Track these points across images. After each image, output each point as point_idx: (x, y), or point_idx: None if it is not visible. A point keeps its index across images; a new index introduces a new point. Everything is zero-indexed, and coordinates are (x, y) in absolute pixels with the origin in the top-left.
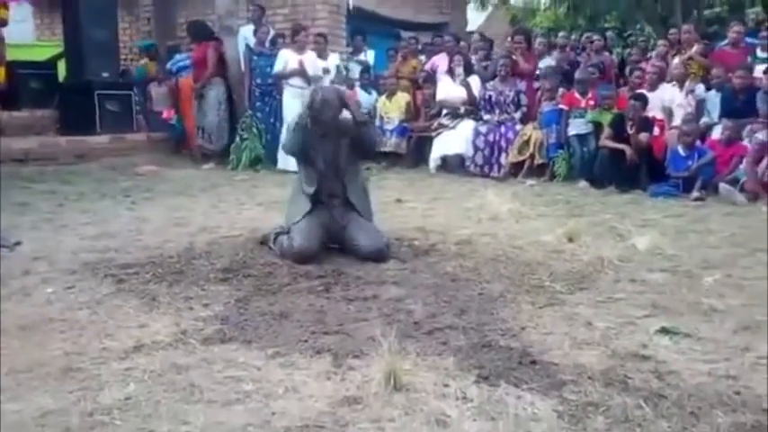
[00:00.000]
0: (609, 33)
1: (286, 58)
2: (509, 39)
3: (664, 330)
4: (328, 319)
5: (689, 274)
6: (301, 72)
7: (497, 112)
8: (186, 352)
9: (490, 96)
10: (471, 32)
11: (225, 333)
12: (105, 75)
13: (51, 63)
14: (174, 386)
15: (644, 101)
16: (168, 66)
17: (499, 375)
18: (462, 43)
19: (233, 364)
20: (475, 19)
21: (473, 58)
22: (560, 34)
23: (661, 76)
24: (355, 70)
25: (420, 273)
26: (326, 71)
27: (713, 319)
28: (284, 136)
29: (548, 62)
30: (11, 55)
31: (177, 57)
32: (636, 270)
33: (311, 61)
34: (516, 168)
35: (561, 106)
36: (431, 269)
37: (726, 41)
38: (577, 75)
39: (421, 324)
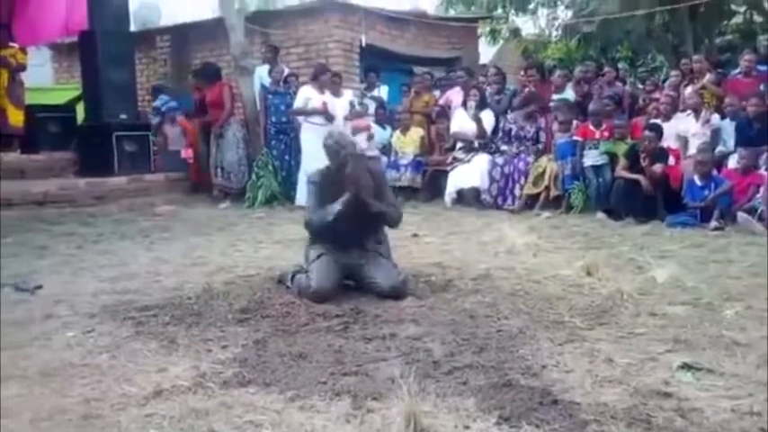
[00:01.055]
0: (620, 64)
1: (307, 96)
2: (522, 72)
3: (686, 366)
4: (347, 360)
5: (710, 306)
6: (324, 112)
7: (515, 144)
8: (205, 396)
9: (510, 129)
10: (484, 65)
11: (244, 376)
12: (123, 116)
13: (70, 106)
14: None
15: (659, 131)
16: (157, 105)
17: (520, 416)
18: (481, 78)
19: (252, 408)
20: (486, 52)
21: (487, 91)
22: (578, 68)
23: (675, 106)
24: (370, 106)
25: (438, 309)
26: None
27: (735, 353)
28: (306, 197)
29: (566, 95)
30: (30, 99)
31: (164, 97)
32: (656, 303)
33: (331, 101)
34: (532, 201)
35: (576, 138)
36: (449, 306)
37: (738, 70)
38: (592, 107)
39: (440, 363)
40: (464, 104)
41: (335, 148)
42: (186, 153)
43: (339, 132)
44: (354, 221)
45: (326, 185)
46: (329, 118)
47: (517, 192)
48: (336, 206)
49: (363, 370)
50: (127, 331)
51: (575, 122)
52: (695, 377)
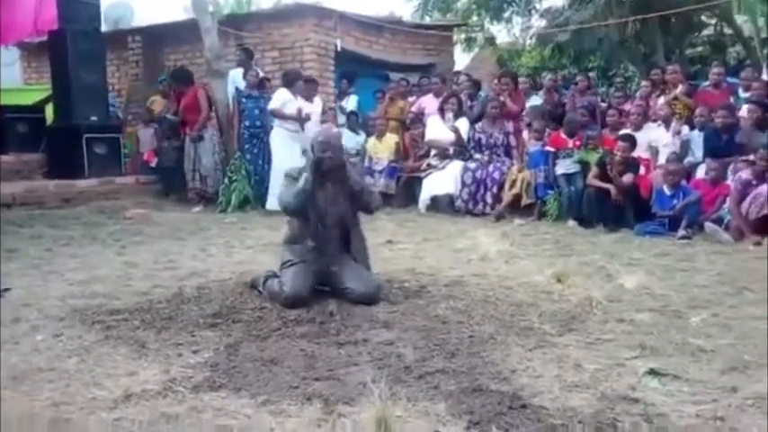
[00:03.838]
0: (591, 74)
1: (285, 98)
2: (496, 80)
3: (652, 372)
4: (319, 365)
5: (677, 313)
6: (299, 118)
7: (487, 153)
8: (175, 400)
9: (479, 138)
10: (457, 72)
11: (214, 380)
12: (93, 118)
13: (39, 107)
14: None
15: (632, 141)
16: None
17: (490, 420)
18: (455, 87)
19: (223, 412)
20: (461, 60)
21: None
22: (547, 76)
23: (645, 116)
24: (339, 114)
25: (411, 315)
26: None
27: (701, 360)
28: (281, 189)
29: (534, 102)
30: None
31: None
32: (624, 310)
33: (305, 106)
34: (504, 208)
35: (548, 148)
36: (421, 311)
37: (708, 83)
38: (567, 117)
39: (412, 368)
40: (440, 111)
41: (323, 145)
42: (148, 156)
43: (329, 131)
44: (333, 204)
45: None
46: (302, 124)
47: (489, 198)
48: (306, 175)
49: (335, 375)
50: (96, 335)
51: (546, 131)
52: (661, 383)
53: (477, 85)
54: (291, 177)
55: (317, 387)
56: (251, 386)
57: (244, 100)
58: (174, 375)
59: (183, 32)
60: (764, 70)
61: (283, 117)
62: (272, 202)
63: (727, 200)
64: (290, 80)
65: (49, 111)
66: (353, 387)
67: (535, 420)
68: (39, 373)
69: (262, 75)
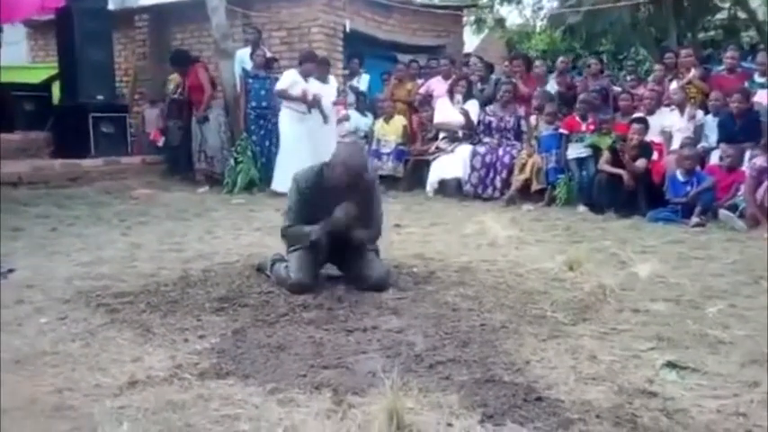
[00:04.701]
0: (602, 57)
1: (293, 79)
2: (507, 63)
3: (670, 364)
4: (327, 352)
5: (692, 303)
6: (304, 100)
7: (497, 137)
8: (182, 388)
9: (490, 122)
10: (467, 54)
11: (221, 367)
12: (100, 97)
13: (45, 85)
14: (170, 425)
15: (646, 124)
16: None
17: (504, 414)
18: (465, 69)
19: (230, 401)
20: (471, 42)
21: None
22: (560, 59)
23: (659, 101)
24: (350, 94)
25: (420, 302)
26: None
27: (719, 352)
28: (287, 208)
29: (548, 86)
30: (4, 77)
31: None
32: (639, 299)
33: (316, 89)
34: (513, 193)
35: (561, 131)
36: (431, 298)
37: (722, 67)
38: (580, 98)
39: (422, 357)
40: (450, 94)
41: (344, 167)
42: (155, 135)
43: (355, 147)
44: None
45: (314, 191)
46: (310, 107)
47: (498, 183)
48: (315, 233)
49: (344, 363)
50: (101, 318)
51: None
52: (679, 376)
53: (489, 67)
54: (297, 186)
55: (326, 375)
56: (258, 374)
57: (251, 80)
58: (180, 361)
59: (191, 11)
60: None
61: (290, 99)
62: (276, 184)
63: (742, 187)
64: (301, 60)
65: (56, 89)
66: (363, 376)
67: (551, 414)
68: (42, 357)
69: (270, 55)
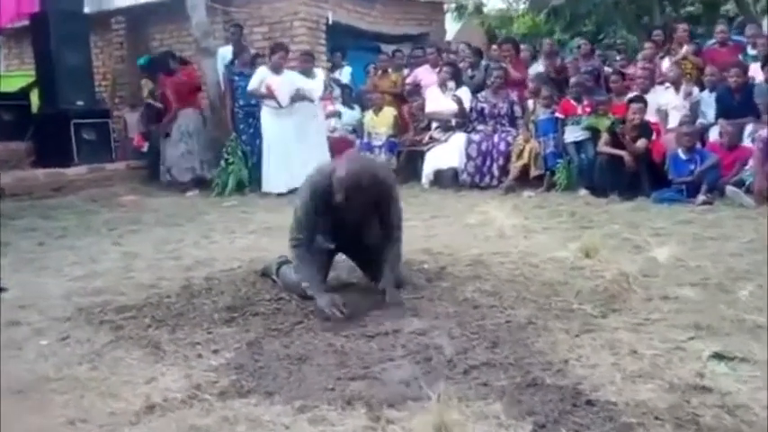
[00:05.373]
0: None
1: (261, 77)
2: (495, 47)
3: (717, 356)
4: (351, 362)
5: (720, 287)
6: (270, 96)
7: (491, 123)
8: (203, 411)
9: (483, 109)
10: (449, 42)
11: (242, 384)
12: (80, 103)
13: (24, 93)
14: None
15: (645, 103)
16: None
17: (556, 421)
18: (452, 56)
19: (257, 422)
20: (451, 29)
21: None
22: (546, 41)
23: (652, 80)
24: (335, 88)
25: (438, 300)
26: (300, 94)
27: (760, 338)
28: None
29: (536, 69)
30: None
31: None
32: (665, 285)
33: (288, 82)
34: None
35: (557, 114)
36: (449, 295)
37: (713, 41)
38: (573, 81)
39: (455, 362)
40: (441, 82)
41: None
42: (138, 140)
43: (372, 164)
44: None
45: (326, 199)
46: (278, 102)
47: (495, 171)
48: (310, 290)
49: (371, 373)
50: (106, 337)
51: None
52: (729, 367)
53: (478, 53)
54: (309, 195)
55: (355, 388)
56: (282, 389)
57: (236, 78)
58: (198, 381)
59: (168, 11)
60: (765, 25)
61: (262, 97)
62: (268, 184)
63: (750, 161)
64: (271, 51)
65: (35, 98)
66: (395, 386)
67: (606, 419)
68: (47, 384)
69: (254, 52)
